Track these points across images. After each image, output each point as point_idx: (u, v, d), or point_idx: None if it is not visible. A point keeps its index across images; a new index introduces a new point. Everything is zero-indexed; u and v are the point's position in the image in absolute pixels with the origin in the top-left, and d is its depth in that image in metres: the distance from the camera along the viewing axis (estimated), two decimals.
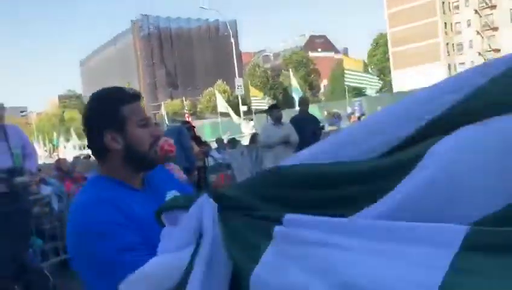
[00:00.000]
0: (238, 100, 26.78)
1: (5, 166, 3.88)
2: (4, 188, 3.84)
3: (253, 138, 8.18)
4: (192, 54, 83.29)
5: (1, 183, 3.83)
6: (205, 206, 1.08)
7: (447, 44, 64.06)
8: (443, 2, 63.06)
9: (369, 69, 13.16)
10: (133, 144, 1.34)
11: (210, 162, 6.95)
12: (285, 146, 6.14)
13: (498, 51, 59.63)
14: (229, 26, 42.49)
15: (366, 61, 73.99)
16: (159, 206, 1.17)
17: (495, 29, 60.42)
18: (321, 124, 6.89)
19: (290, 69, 16.63)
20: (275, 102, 19.93)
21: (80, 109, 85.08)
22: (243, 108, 28.08)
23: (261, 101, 19.35)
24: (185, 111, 27.21)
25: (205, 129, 31.63)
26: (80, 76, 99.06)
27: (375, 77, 14.28)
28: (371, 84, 12.85)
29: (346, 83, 12.54)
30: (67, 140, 39.94)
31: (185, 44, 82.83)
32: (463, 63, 63.41)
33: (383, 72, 63.48)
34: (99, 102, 1.38)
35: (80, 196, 1.32)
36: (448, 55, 64.02)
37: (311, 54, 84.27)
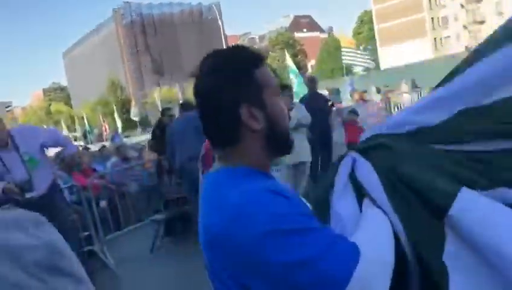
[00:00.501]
0: None
1: (19, 177, 3.83)
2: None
3: None
4: (176, 39, 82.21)
5: (14, 199, 3.78)
6: (362, 168, 1.03)
7: (432, 18, 64.09)
8: None
9: (360, 48, 13.09)
10: (276, 119, 1.02)
11: None
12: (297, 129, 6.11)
13: (482, 22, 59.93)
14: (215, 9, 42.01)
15: (352, 39, 74.46)
16: (316, 196, 1.10)
17: (479, 1, 60.50)
18: (330, 101, 6.85)
19: (286, 50, 16.33)
20: None
21: (65, 101, 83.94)
22: None
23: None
24: (180, 98, 27.01)
25: None
26: (64, 68, 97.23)
27: (367, 55, 14.30)
28: (366, 62, 12.84)
29: (344, 62, 12.54)
30: None
31: (168, 29, 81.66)
32: (448, 37, 63.79)
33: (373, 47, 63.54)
34: (228, 66, 1.01)
35: (236, 193, 0.94)
36: (434, 29, 64.11)
37: (297, 35, 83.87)
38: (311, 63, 77.29)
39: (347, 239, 0.91)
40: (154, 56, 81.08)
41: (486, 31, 59.02)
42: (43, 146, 4.06)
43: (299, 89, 14.36)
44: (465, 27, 61.45)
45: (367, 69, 21.07)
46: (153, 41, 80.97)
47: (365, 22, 70.53)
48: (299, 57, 78.01)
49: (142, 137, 25.45)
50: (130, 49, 78.92)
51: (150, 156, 9.33)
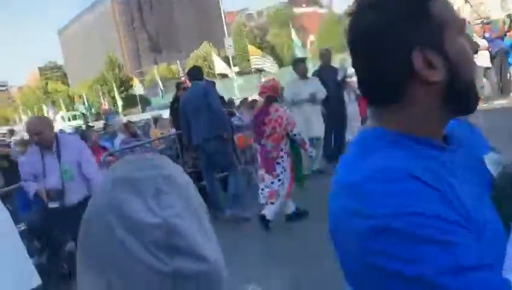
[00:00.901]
0: (228, 61, 26.25)
1: (52, 184, 3.76)
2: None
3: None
4: (173, 16, 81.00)
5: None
6: None
7: None
8: None
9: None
10: (461, 67, 0.76)
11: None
12: (312, 102, 5.99)
13: None
14: None
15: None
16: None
17: None
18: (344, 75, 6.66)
19: (290, 26, 15.82)
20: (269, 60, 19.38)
21: (62, 80, 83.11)
22: (234, 69, 27.48)
23: (260, 59, 18.84)
24: (181, 75, 26.58)
25: None
26: (60, 46, 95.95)
27: None
28: None
29: None
30: (56, 112, 39.14)
31: (165, 6, 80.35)
32: None
33: None
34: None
35: (364, 167, 0.73)
36: None
37: (296, 10, 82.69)
38: (310, 39, 76.35)
39: (489, 276, 0.66)
40: (150, 33, 79.99)
41: (487, 5, 58.34)
42: (79, 164, 3.90)
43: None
44: (466, 1, 60.59)
45: None
46: (149, 18, 79.78)
47: None
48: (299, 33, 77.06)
49: (143, 116, 25.19)
50: (127, 26, 77.82)
51: (157, 133, 9.23)
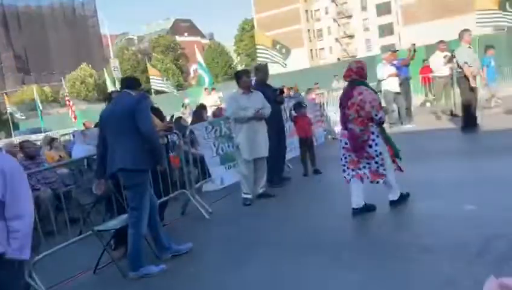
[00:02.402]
0: (114, 83, 24.63)
1: None
2: None
3: (199, 112, 7.29)
4: (45, 36, 74.63)
5: None
6: None
7: (309, 30, 68.28)
8: None
9: (277, 46, 12.81)
10: None
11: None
12: (259, 119, 5.45)
13: (352, 36, 65.77)
14: (91, 5, 38.97)
15: (234, 46, 76.06)
16: None
17: (349, 17, 66.21)
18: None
19: (196, 48, 15.20)
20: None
21: None
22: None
23: (160, 81, 17.83)
24: (66, 94, 24.00)
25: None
26: None
27: (279, 55, 14.10)
28: (282, 61, 12.57)
29: (258, 59, 12.15)
30: None
31: (35, 24, 73.77)
32: (322, 49, 68.59)
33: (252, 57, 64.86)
34: None
35: None
36: (310, 41, 68.31)
37: (178, 38, 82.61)
38: (193, 68, 76.71)
39: None
40: (18, 52, 72.50)
41: (355, 45, 65.11)
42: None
43: (211, 82, 13.95)
44: (336, 40, 66.78)
45: None
46: (16, 35, 72.38)
47: (247, 30, 72.18)
48: (181, 61, 76.74)
49: (13, 139, 22.06)
50: None
51: (53, 156, 7.85)
